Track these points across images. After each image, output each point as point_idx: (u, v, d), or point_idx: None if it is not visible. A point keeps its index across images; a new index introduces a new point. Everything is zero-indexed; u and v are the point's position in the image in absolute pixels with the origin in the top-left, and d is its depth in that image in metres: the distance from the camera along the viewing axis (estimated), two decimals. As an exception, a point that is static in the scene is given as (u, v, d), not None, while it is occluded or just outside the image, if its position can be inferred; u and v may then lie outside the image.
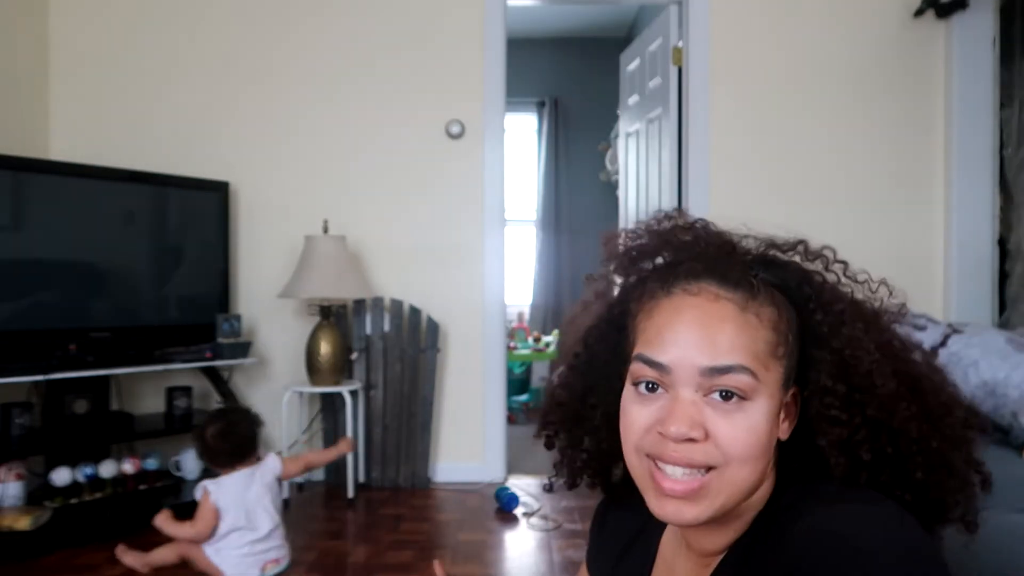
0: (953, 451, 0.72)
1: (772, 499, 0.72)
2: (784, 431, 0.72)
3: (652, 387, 0.70)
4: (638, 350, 0.72)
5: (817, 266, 0.76)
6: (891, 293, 0.77)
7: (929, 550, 0.59)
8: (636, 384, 0.71)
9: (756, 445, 0.67)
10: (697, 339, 0.68)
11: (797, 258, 0.76)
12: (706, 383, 0.67)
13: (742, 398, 0.67)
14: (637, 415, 0.71)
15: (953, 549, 0.75)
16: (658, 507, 0.70)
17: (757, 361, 0.67)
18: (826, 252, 0.77)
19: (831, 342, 0.70)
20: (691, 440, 0.67)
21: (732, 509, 0.70)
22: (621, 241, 0.80)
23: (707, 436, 0.67)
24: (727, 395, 0.67)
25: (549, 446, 0.90)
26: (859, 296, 0.76)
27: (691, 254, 0.75)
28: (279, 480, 2.19)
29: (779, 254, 0.76)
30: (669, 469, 0.68)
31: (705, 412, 0.67)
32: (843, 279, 0.76)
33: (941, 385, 0.74)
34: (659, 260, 0.78)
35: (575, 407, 0.85)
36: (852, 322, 0.71)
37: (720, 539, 0.73)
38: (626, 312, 0.78)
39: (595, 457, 0.86)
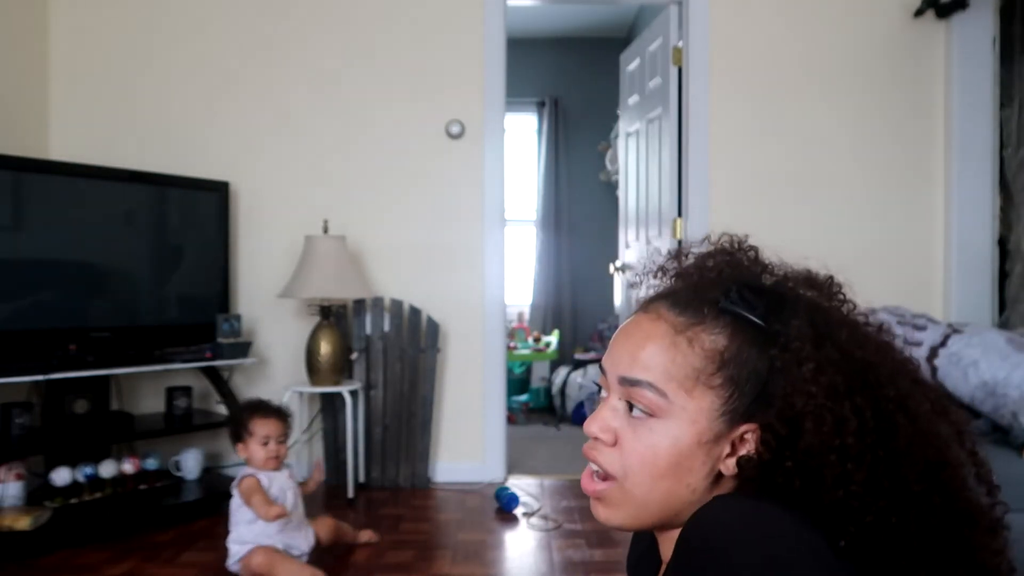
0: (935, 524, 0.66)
1: None
2: (729, 467, 0.70)
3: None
4: None
5: (815, 296, 0.74)
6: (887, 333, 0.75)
7: (791, 553, 0.59)
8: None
9: (653, 463, 0.69)
10: (623, 350, 0.73)
11: (802, 289, 0.75)
12: (624, 392, 0.72)
13: (650, 414, 0.70)
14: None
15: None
16: (592, 507, 0.76)
17: (673, 383, 0.69)
18: (825, 281, 0.76)
19: (780, 380, 0.68)
20: (600, 441, 0.72)
21: (666, 523, 0.72)
22: (679, 260, 0.82)
23: (616, 443, 0.72)
24: (640, 408, 0.71)
25: None
26: (856, 340, 0.71)
27: (687, 278, 0.78)
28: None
29: (779, 285, 0.74)
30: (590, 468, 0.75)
31: (622, 420, 0.72)
32: (842, 310, 0.74)
33: (932, 448, 0.68)
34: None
35: None
36: (805, 362, 0.67)
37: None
38: None
39: None
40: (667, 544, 0.76)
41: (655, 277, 0.82)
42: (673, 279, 0.80)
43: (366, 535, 2.53)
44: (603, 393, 0.75)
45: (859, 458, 0.65)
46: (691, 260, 0.79)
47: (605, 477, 0.73)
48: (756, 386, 0.69)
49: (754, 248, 0.79)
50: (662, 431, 0.69)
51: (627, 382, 0.71)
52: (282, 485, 2.29)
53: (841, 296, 0.75)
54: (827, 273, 0.77)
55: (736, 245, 0.78)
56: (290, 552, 2.23)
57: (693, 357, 0.69)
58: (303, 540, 2.27)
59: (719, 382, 0.69)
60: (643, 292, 0.82)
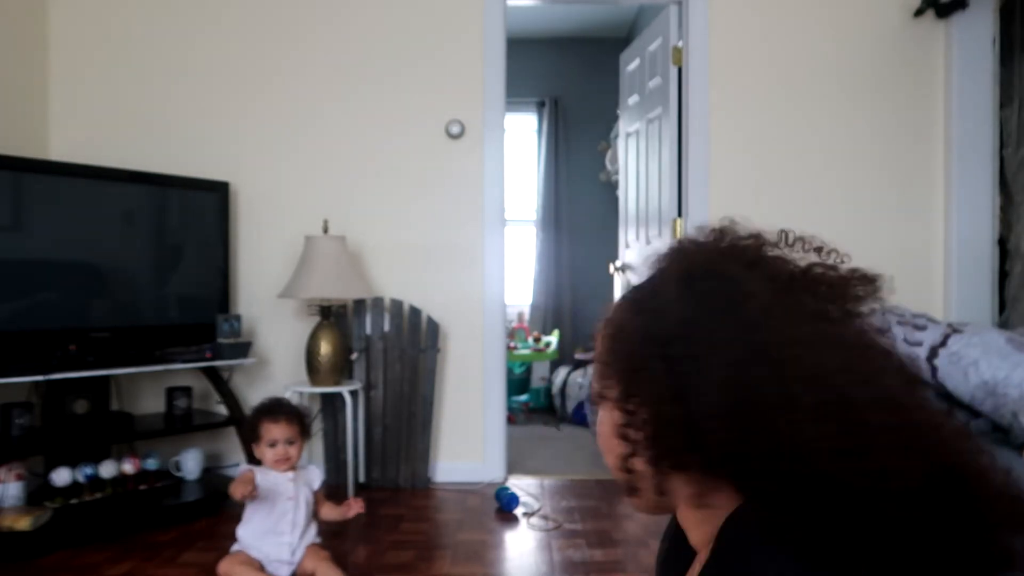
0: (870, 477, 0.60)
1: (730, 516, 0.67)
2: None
3: None
4: None
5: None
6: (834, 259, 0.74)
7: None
8: None
9: (601, 443, 0.77)
10: None
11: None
12: None
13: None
14: None
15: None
16: None
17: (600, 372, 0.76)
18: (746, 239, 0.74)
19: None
20: None
21: (659, 505, 0.74)
22: None
23: None
24: None
25: None
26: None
27: None
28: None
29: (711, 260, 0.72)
30: None
31: None
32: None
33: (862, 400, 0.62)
34: None
35: None
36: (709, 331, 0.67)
37: (696, 538, 0.75)
38: None
39: None
40: (693, 533, 0.75)
41: None
42: None
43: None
44: None
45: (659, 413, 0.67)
46: None
47: None
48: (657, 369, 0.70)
49: (730, 227, 0.76)
50: (602, 414, 0.77)
51: None
52: (277, 483, 2.23)
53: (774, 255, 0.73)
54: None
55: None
56: (268, 563, 2.17)
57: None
58: (288, 552, 2.19)
59: (611, 367, 0.75)
60: None
